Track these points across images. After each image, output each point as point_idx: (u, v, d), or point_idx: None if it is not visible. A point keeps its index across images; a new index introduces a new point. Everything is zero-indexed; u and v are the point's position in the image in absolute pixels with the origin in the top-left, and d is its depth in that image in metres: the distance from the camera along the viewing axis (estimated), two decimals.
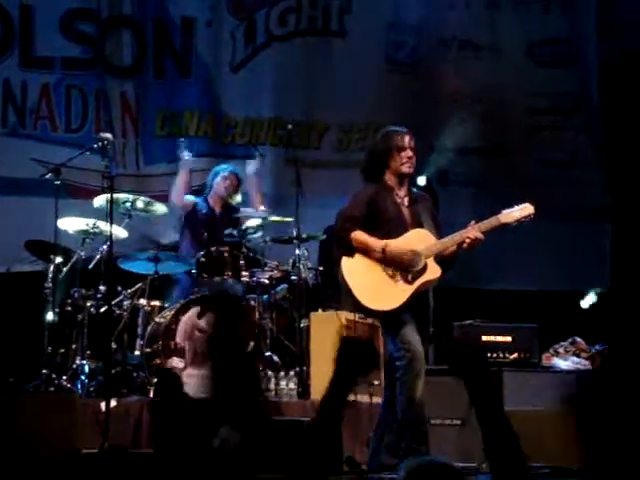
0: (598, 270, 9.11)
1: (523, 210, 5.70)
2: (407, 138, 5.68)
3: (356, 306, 5.63)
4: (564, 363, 7.34)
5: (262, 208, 7.71)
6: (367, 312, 5.79)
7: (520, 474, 2.69)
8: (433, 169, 8.65)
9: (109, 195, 6.33)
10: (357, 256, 5.55)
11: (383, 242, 5.50)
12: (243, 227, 7.46)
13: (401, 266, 5.50)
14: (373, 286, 5.51)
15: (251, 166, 7.97)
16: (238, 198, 7.92)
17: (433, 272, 5.57)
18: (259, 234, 7.52)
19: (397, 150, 5.64)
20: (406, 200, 5.73)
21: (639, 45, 9.15)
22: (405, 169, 5.67)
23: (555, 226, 8.64)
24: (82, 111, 8.79)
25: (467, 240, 5.56)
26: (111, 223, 6.27)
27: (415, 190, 5.85)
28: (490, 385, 2.74)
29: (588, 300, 8.95)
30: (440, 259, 5.59)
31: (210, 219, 7.77)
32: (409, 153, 5.66)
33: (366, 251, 5.51)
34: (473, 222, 5.63)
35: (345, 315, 6.93)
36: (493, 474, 2.71)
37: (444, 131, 8.90)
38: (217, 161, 8.47)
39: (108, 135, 6.63)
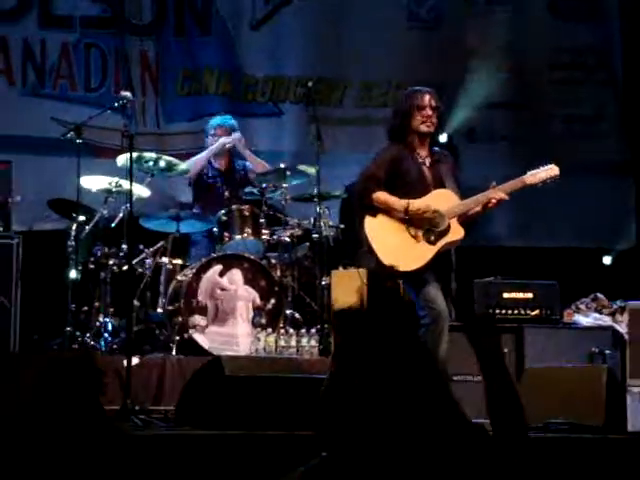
0: (622, 226, 9.07)
1: (549, 171, 5.69)
2: (427, 97, 5.66)
3: (378, 266, 5.64)
4: (586, 320, 7.34)
5: (261, 170, 7.72)
6: (389, 272, 5.79)
7: (518, 432, 2.70)
8: (458, 125, 8.61)
9: (129, 154, 6.33)
10: (380, 216, 5.55)
11: (405, 202, 5.50)
12: (263, 185, 7.45)
13: (424, 225, 5.50)
14: (396, 246, 5.51)
15: (233, 137, 7.88)
16: (236, 135, 7.85)
17: (456, 233, 5.58)
18: (279, 192, 7.52)
19: (416, 109, 5.63)
20: (428, 160, 5.72)
21: None
22: (424, 128, 5.65)
23: (579, 181, 8.59)
24: (102, 70, 8.78)
25: (492, 201, 5.56)
26: (131, 181, 6.27)
27: (437, 149, 5.84)
28: (496, 347, 2.74)
29: (610, 257, 8.93)
30: (463, 220, 5.59)
31: (219, 178, 7.78)
32: (428, 112, 5.64)
33: (389, 211, 5.51)
34: (494, 183, 5.63)
35: (366, 272, 6.94)
36: (494, 431, 2.72)
37: (469, 86, 8.86)
38: (237, 120, 8.44)
39: (127, 94, 6.63)
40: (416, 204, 5.50)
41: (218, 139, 7.78)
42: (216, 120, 7.89)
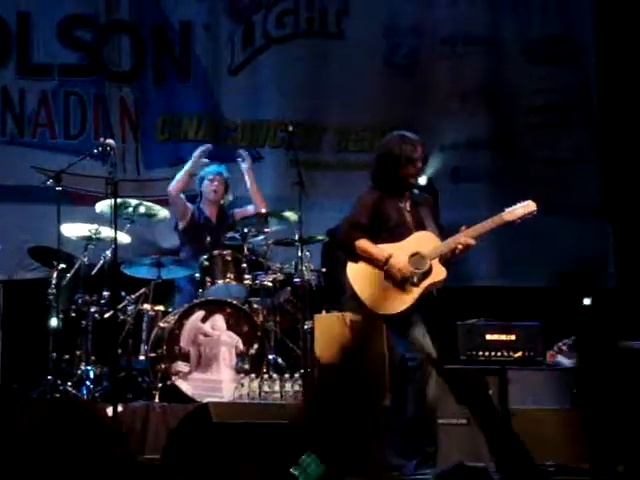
0: (602, 267, 9.12)
1: (526, 207, 5.73)
2: (420, 149, 5.67)
3: (364, 311, 5.63)
4: (568, 361, 7.34)
5: (264, 205, 7.75)
6: (375, 317, 5.78)
7: (528, 473, 2.69)
8: (440, 166, 8.65)
9: (112, 200, 6.33)
10: (362, 262, 5.56)
11: (386, 253, 5.50)
12: (245, 230, 7.46)
13: (395, 282, 5.50)
14: (379, 290, 5.52)
15: (244, 163, 7.96)
16: (229, 198, 7.92)
17: (439, 274, 5.60)
18: (261, 237, 7.53)
19: (409, 160, 5.64)
20: (408, 204, 5.74)
21: (636, 40, 9.16)
22: (412, 180, 5.69)
23: (559, 223, 8.65)
24: (81, 117, 8.80)
25: (459, 246, 5.59)
26: (116, 228, 6.27)
27: (416, 192, 5.86)
28: (497, 415, 2.74)
29: (590, 298, 8.95)
30: (445, 261, 5.61)
31: (208, 226, 7.77)
32: (419, 165, 5.67)
33: (369, 260, 5.53)
34: (464, 227, 5.66)
35: (349, 316, 6.93)
36: (501, 473, 2.71)
37: (450, 127, 8.92)
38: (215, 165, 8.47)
39: (111, 141, 6.63)
40: (395, 262, 5.50)
41: (215, 186, 7.79)
42: (214, 168, 7.90)
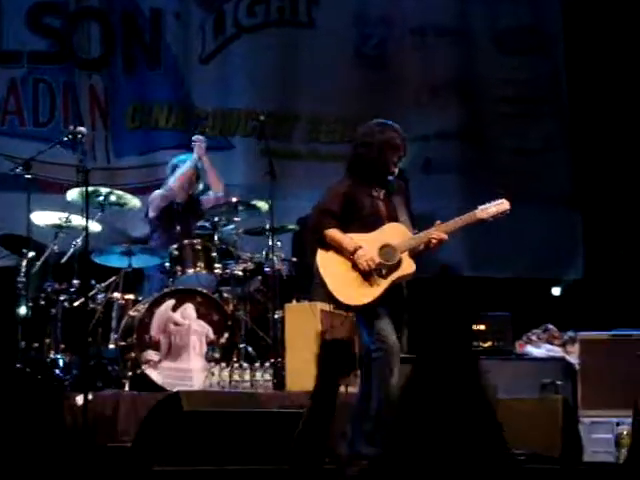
0: (571, 257, 9.18)
1: (499, 206, 5.73)
2: (402, 137, 5.65)
3: (331, 299, 5.63)
4: (537, 350, 7.40)
5: (221, 188, 7.73)
6: (341, 306, 5.78)
7: (504, 461, 2.71)
8: (412, 158, 8.67)
9: (82, 189, 6.29)
10: (332, 250, 5.55)
11: (355, 244, 5.49)
12: (215, 219, 7.44)
13: (362, 273, 5.50)
14: (347, 280, 5.50)
15: (196, 147, 7.89)
16: (199, 187, 7.91)
17: (407, 267, 5.59)
18: (231, 226, 7.51)
19: (392, 147, 5.61)
20: (382, 193, 5.73)
21: (605, 30, 9.22)
22: (393, 168, 5.67)
23: (528, 213, 8.69)
24: (50, 105, 8.75)
25: (432, 241, 5.60)
26: (87, 217, 6.24)
27: (391, 179, 5.84)
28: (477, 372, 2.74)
29: (559, 288, 9.03)
30: (414, 254, 5.61)
31: (177, 213, 7.74)
32: (401, 154, 5.65)
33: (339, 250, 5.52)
34: (438, 222, 5.66)
35: (319, 306, 6.94)
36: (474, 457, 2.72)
37: (421, 118, 8.95)
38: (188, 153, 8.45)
39: (81, 128, 6.60)
40: (363, 253, 5.50)
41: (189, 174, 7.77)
42: (186, 157, 7.86)
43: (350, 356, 2.72)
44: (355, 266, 5.50)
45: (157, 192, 7.82)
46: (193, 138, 7.91)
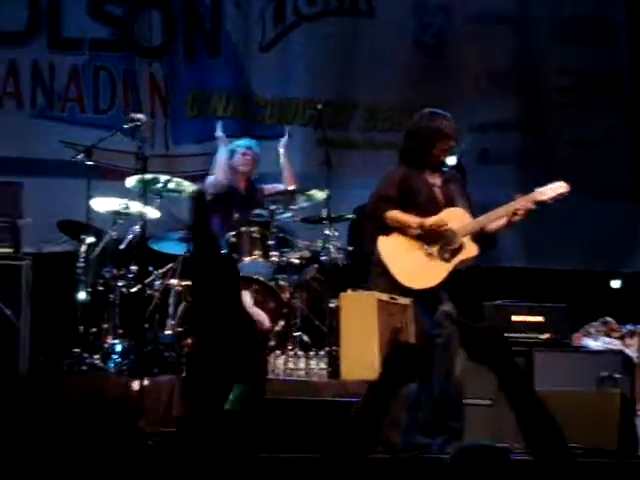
0: (632, 249, 9.07)
1: (557, 188, 5.70)
2: (453, 126, 5.64)
3: (393, 285, 5.63)
4: (595, 343, 7.32)
5: (293, 184, 7.75)
6: (404, 291, 5.78)
7: (562, 455, 2.66)
8: (468, 147, 8.62)
9: (141, 176, 6.34)
10: (393, 235, 5.55)
11: (419, 218, 5.50)
12: (272, 207, 7.46)
13: (438, 243, 5.49)
14: (410, 264, 5.51)
15: (281, 143, 7.96)
16: (256, 173, 7.93)
17: (470, 251, 5.58)
18: (289, 214, 7.52)
19: (443, 136, 5.60)
20: (438, 181, 5.72)
21: None
22: (444, 157, 5.65)
23: (588, 205, 8.61)
24: (110, 92, 8.82)
25: (520, 212, 5.54)
26: (145, 203, 6.29)
27: (446, 170, 5.83)
28: (516, 367, 2.71)
29: (619, 280, 8.92)
30: (482, 236, 5.58)
31: (236, 197, 7.77)
32: (452, 143, 5.64)
33: (402, 229, 5.51)
34: (519, 195, 5.63)
35: (376, 295, 6.93)
36: (534, 456, 2.68)
37: (479, 107, 8.88)
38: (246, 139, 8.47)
39: (141, 115, 6.64)
40: (431, 219, 5.50)
41: (242, 159, 7.78)
42: (245, 142, 7.91)
43: (420, 364, 2.70)
44: (419, 248, 5.50)
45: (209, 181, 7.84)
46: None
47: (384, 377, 2.66)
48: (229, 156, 7.89)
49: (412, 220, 5.50)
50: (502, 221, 5.59)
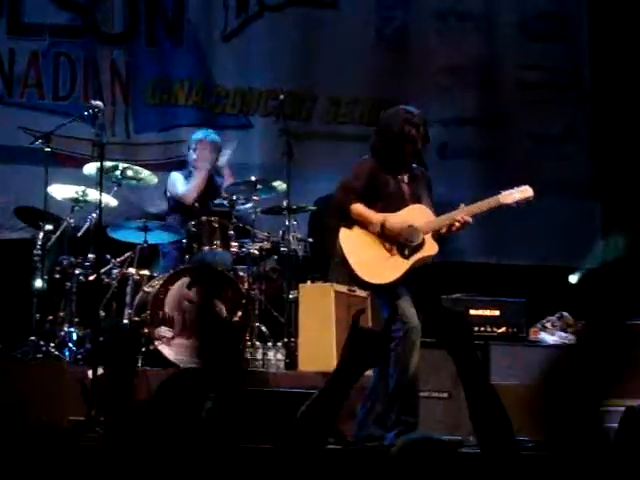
0: (589, 246, 9.12)
1: (523, 192, 5.73)
2: (421, 129, 5.63)
3: (351, 278, 5.64)
4: (551, 338, 7.37)
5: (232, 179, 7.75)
6: (362, 284, 5.79)
7: (508, 447, 2.68)
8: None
9: (99, 163, 6.29)
10: (355, 228, 5.56)
11: (382, 216, 5.51)
12: (233, 197, 7.43)
13: (398, 241, 5.51)
14: (370, 259, 5.52)
15: (224, 157, 7.91)
16: (223, 160, 7.89)
17: (430, 248, 5.60)
18: (249, 205, 7.51)
19: (407, 140, 5.59)
20: (406, 177, 5.74)
21: (630, 18, 9.14)
22: (410, 159, 5.67)
23: (547, 200, 8.61)
24: (70, 79, 8.73)
25: (456, 223, 5.59)
26: (101, 191, 6.24)
27: (414, 166, 5.84)
28: (476, 356, 2.73)
29: (576, 276, 8.97)
30: (437, 236, 5.62)
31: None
32: (418, 145, 5.64)
33: (364, 224, 5.52)
34: (462, 205, 5.66)
35: (335, 287, 6.94)
36: (481, 447, 2.70)
37: (439, 102, 8.90)
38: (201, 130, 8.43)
39: (99, 103, 6.58)
40: (392, 219, 5.51)
41: (200, 154, 7.74)
42: (198, 135, 7.86)
43: (382, 347, 2.70)
44: (379, 244, 5.51)
45: (177, 182, 7.77)
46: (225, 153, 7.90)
47: (345, 361, 2.66)
48: (189, 149, 7.85)
49: (374, 217, 5.51)
50: (445, 228, 5.63)
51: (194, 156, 7.76)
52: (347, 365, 2.65)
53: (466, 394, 2.69)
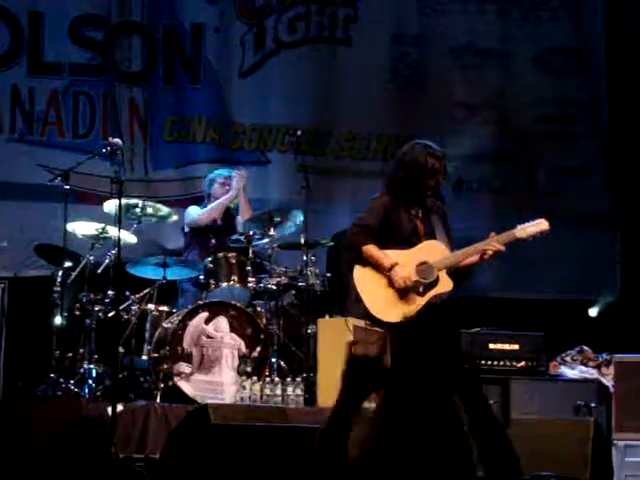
0: (608, 279, 9.09)
1: (538, 225, 5.71)
2: (444, 162, 5.64)
3: (367, 315, 5.63)
4: (571, 372, 7.33)
5: (249, 214, 7.77)
6: (377, 322, 5.79)
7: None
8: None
9: (119, 200, 6.33)
10: (369, 266, 5.56)
11: (392, 261, 5.49)
12: (250, 232, 7.45)
13: (399, 290, 5.49)
14: (384, 297, 5.52)
15: (235, 181, 7.92)
16: (237, 201, 7.93)
17: (445, 285, 5.59)
18: (266, 240, 7.52)
19: (432, 172, 5.59)
20: (420, 212, 5.73)
21: None
22: (430, 193, 5.66)
23: (565, 233, 8.61)
24: (90, 117, 8.81)
25: (488, 252, 5.56)
26: (120, 228, 6.29)
27: (429, 199, 5.82)
28: (482, 394, 2.72)
29: (596, 309, 8.94)
30: (455, 271, 5.60)
31: (213, 227, 7.77)
32: (440, 178, 5.64)
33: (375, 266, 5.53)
34: (493, 233, 5.64)
35: (353, 322, 6.93)
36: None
37: (455, 137, 8.91)
38: (225, 168, 8.51)
39: (117, 140, 6.65)
40: (399, 270, 5.48)
41: (226, 189, 7.78)
42: (224, 171, 7.93)
43: (378, 372, 2.69)
44: (392, 283, 5.50)
45: (192, 211, 7.84)
46: (235, 173, 7.89)
47: (344, 390, 2.66)
48: (208, 185, 7.90)
49: (384, 261, 5.50)
50: (474, 258, 5.61)
51: (214, 188, 7.78)
52: (346, 394, 2.65)
53: (472, 432, 2.68)
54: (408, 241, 5.61)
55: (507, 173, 9.25)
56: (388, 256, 5.54)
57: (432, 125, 8.91)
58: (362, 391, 2.66)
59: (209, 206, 7.85)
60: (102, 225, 7.12)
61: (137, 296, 7.25)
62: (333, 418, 2.63)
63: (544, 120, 9.34)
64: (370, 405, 2.67)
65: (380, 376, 2.69)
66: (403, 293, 5.54)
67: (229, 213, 7.93)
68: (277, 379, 6.91)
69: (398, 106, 9.14)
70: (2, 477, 4.49)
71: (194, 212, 7.84)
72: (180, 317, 7.00)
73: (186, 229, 7.87)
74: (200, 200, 8.09)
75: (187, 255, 7.77)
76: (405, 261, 5.55)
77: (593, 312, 8.94)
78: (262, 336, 7.08)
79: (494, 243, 5.56)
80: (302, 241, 7.28)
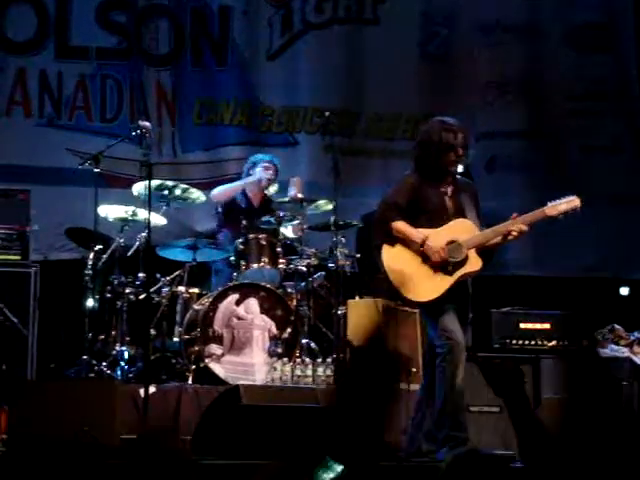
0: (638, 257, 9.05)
1: (569, 203, 5.65)
2: (461, 136, 5.60)
3: (396, 295, 5.62)
4: (603, 350, 7.30)
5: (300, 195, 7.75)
6: (406, 302, 5.78)
7: (550, 463, 2.67)
8: (476, 156, 8.62)
9: (148, 182, 6.34)
10: (398, 245, 5.53)
11: (423, 235, 5.47)
12: (281, 214, 7.45)
13: (432, 263, 5.48)
14: (413, 276, 5.49)
15: (259, 171, 7.88)
16: (273, 188, 7.92)
17: (474, 264, 5.55)
18: (296, 221, 7.53)
19: (450, 148, 5.56)
20: (450, 190, 5.69)
21: None
22: (452, 168, 5.63)
23: (597, 212, 8.57)
24: (117, 101, 8.84)
25: (513, 233, 5.53)
26: (149, 211, 6.29)
27: (460, 178, 5.79)
28: (528, 408, 2.72)
29: (627, 288, 8.90)
30: (482, 250, 5.57)
31: (249, 211, 7.77)
32: (460, 152, 5.60)
33: (406, 242, 5.51)
34: (515, 214, 5.60)
35: (382, 302, 6.93)
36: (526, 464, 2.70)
37: (486, 116, 8.87)
38: (253, 150, 8.51)
39: (147, 123, 6.64)
40: (433, 237, 5.47)
41: (270, 173, 7.78)
42: (267, 156, 7.93)
43: (406, 354, 2.70)
44: (422, 261, 5.49)
45: (215, 190, 7.86)
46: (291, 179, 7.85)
47: (349, 380, 2.67)
48: (249, 167, 7.88)
49: (415, 235, 5.48)
50: (498, 238, 5.59)
51: (260, 174, 7.76)
52: (381, 372, 2.66)
53: (515, 430, 2.68)
54: (437, 219, 5.58)
55: (538, 150, 9.21)
56: (419, 231, 5.51)
57: (462, 104, 8.87)
58: (394, 371, 2.68)
59: (227, 185, 7.86)
60: (132, 208, 7.14)
61: (167, 278, 7.28)
62: (367, 397, 2.64)
63: (574, 98, 9.28)
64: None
65: (407, 356, 2.71)
66: (434, 270, 5.51)
67: (267, 198, 7.91)
68: (307, 360, 6.93)
69: (427, 85, 9.11)
70: (34, 459, 4.53)
71: (214, 189, 7.85)
72: (211, 299, 7.02)
73: (219, 209, 7.87)
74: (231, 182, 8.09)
75: (219, 236, 7.78)
76: (434, 239, 5.52)
77: (624, 291, 8.89)
78: (292, 317, 7.10)
79: (517, 224, 5.53)
80: (332, 222, 7.28)
